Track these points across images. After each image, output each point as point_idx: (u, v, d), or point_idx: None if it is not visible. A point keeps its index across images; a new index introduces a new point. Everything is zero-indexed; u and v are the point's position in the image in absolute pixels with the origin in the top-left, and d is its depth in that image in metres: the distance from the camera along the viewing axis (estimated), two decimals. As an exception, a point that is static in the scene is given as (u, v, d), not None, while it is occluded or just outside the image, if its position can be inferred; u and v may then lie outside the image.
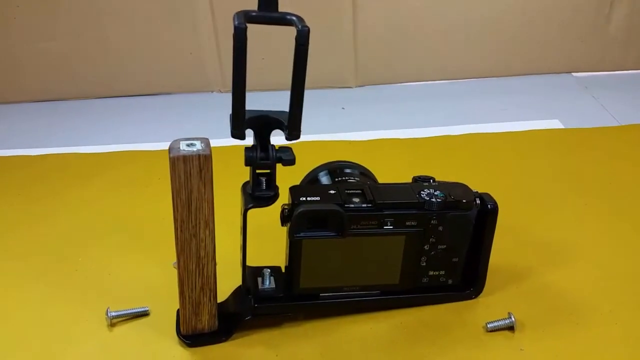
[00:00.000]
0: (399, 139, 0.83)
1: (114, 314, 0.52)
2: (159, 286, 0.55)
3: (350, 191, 0.48)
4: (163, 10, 0.99)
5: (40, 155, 0.82)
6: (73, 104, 1.01)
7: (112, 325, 0.51)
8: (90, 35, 1.00)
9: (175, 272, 0.47)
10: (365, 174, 0.56)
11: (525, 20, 1.01)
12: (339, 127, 0.88)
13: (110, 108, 1.00)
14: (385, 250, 0.49)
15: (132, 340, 0.50)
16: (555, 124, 0.87)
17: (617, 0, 1.00)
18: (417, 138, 0.83)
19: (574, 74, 1.05)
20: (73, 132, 0.90)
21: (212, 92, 1.05)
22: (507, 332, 0.49)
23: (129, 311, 0.52)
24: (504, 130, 0.84)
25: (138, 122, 0.94)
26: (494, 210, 0.49)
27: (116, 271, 0.58)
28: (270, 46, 0.96)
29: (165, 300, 0.52)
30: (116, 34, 1.01)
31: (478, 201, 0.50)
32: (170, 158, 0.42)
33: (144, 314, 0.53)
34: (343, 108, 0.96)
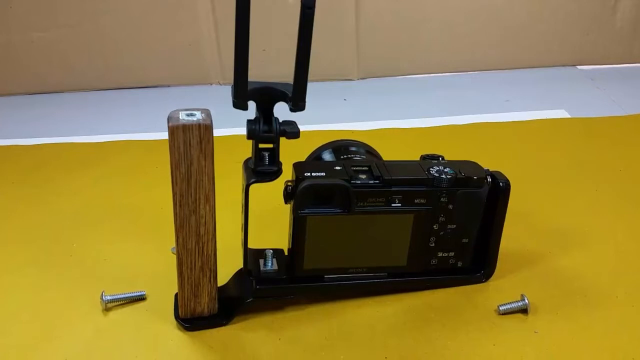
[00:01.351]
0: (402, 128, 0.81)
1: (109, 297, 0.50)
2: (157, 272, 0.53)
3: (357, 168, 0.46)
4: (162, 1, 0.97)
5: (36, 144, 0.80)
6: (69, 96, 1.00)
7: (107, 309, 0.49)
8: (87, 27, 0.99)
9: (173, 258, 0.45)
10: (371, 152, 0.54)
11: (530, 12, 1.00)
12: (340, 118, 0.86)
13: (108, 100, 0.98)
14: (392, 230, 0.47)
15: (128, 324, 0.48)
16: (561, 113, 0.85)
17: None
18: (421, 127, 0.82)
19: (579, 66, 1.03)
20: (69, 125, 0.88)
21: (211, 84, 1.04)
22: (520, 315, 0.47)
23: (124, 295, 0.50)
24: (510, 120, 0.83)
25: (136, 114, 0.92)
26: (506, 188, 0.47)
27: (112, 257, 0.56)
28: (271, 38, 0.95)
29: (162, 285, 0.50)
30: (114, 25, 0.99)
31: (489, 179, 0.48)
32: (169, 127, 0.40)
33: (141, 299, 0.51)
34: (345, 99, 0.94)
